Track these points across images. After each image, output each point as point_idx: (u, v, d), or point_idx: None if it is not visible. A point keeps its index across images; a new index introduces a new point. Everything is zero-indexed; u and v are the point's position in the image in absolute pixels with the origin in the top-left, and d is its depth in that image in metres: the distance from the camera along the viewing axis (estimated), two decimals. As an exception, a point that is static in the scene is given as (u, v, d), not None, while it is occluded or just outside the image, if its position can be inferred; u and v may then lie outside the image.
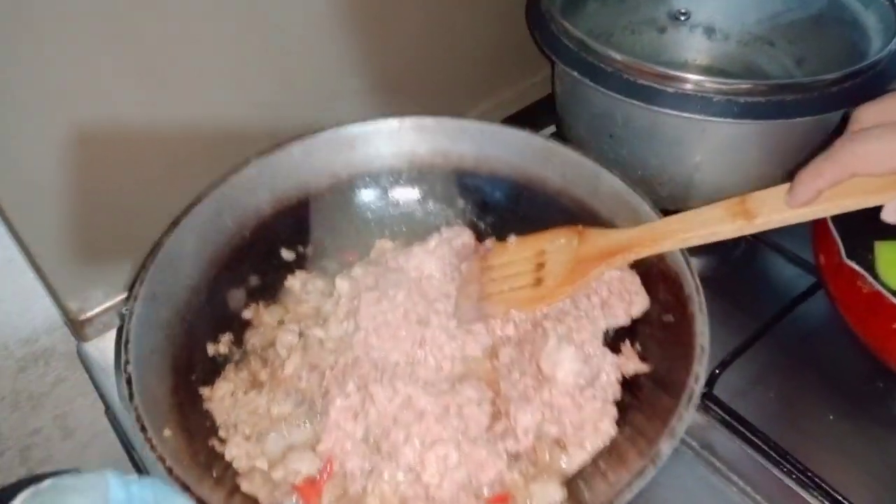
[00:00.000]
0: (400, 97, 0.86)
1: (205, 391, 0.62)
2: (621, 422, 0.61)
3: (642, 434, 0.57)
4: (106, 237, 0.70)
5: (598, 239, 0.65)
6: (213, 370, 0.64)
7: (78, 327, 0.73)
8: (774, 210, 0.54)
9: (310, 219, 0.74)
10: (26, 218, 0.64)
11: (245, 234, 0.70)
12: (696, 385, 0.55)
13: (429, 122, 0.75)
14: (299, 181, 0.73)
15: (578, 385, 0.60)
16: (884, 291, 0.61)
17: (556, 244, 0.68)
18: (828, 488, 0.61)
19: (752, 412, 0.67)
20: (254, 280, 0.71)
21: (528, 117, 0.97)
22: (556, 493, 0.57)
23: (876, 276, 0.63)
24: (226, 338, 0.66)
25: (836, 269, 0.67)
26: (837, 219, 0.67)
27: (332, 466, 0.57)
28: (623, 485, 0.51)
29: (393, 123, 0.75)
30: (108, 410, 0.82)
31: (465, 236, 0.75)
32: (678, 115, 0.69)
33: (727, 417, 0.67)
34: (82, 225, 0.68)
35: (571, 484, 0.58)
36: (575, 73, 0.73)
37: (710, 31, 0.93)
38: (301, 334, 0.67)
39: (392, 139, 0.75)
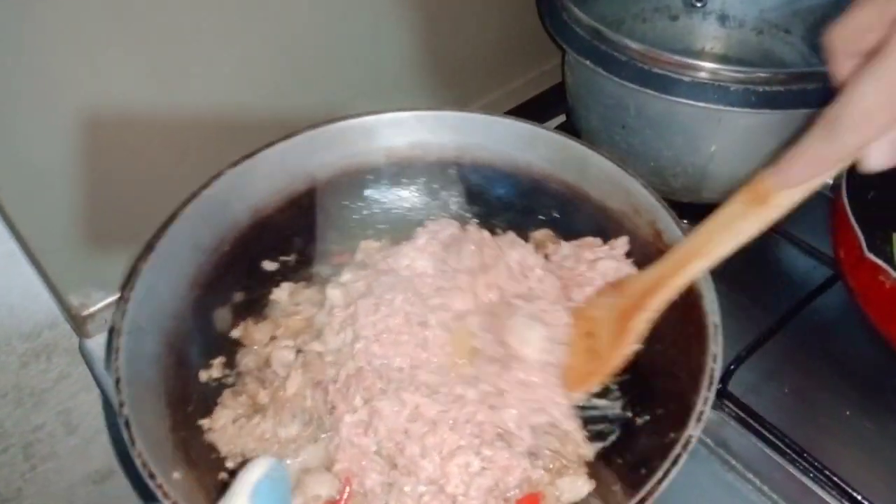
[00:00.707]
0: (406, 88, 0.85)
1: (204, 422, 0.59)
2: (638, 408, 0.61)
3: (665, 420, 0.56)
4: (109, 231, 0.69)
5: (633, 285, 0.61)
6: (208, 397, 0.62)
7: (80, 323, 0.72)
8: (789, 183, 0.46)
9: (290, 226, 0.72)
10: (26, 211, 0.63)
11: (225, 249, 0.67)
12: (716, 364, 0.54)
13: (405, 116, 0.73)
14: (275, 187, 0.70)
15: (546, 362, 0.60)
16: (906, 286, 0.59)
17: (602, 308, 0.63)
18: (845, 486, 0.60)
19: (767, 408, 0.66)
20: (238, 296, 0.68)
21: (537, 107, 0.96)
22: (585, 485, 0.56)
23: (896, 269, 0.61)
24: (218, 361, 0.64)
25: (856, 263, 0.65)
26: (857, 211, 0.65)
27: (352, 486, 0.56)
28: (657, 475, 0.49)
29: (367, 120, 0.73)
30: (107, 407, 0.81)
31: (452, 228, 0.73)
32: (694, 105, 0.68)
33: (742, 414, 0.66)
34: (84, 218, 0.67)
35: (599, 475, 0.57)
36: (587, 62, 0.71)
37: (723, 19, 0.92)
38: (299, 350, 0.64)
39: (368, 136, 0.73)
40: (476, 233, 0.71)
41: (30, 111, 0.59)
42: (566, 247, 0.70)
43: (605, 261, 0.67)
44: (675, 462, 0.50)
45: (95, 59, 0.60)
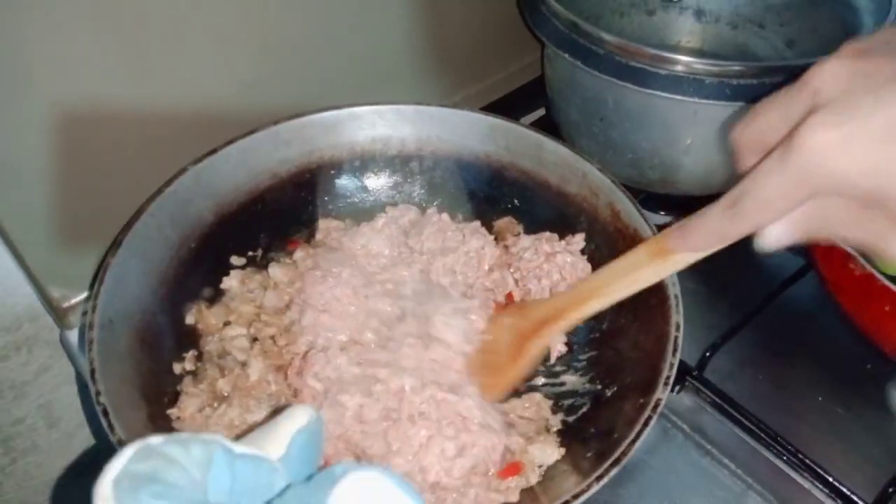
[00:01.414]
0: (386, 82, 0.85)
1: (173, 411, 0.59)
2: (607, 380, 0.63)
3: (633, 388, 0.58)
4: (89, 221, 0.68)
5: (534, 311, 0.63)
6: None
7: (60, 315, 0.71)
8: (689, 248, 0.50)
9: (255, 222, 0.72)
10: (6, 203, 0.63)
11: (191, 245, 0.67)
12: (679, 333, 0.57)
13: (364, 110, 0.74)
14: (238, 183, 0.71)
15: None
16: (876, 274, 0.61)
17: (502, 327, 0.65)
18: (819, 470, 0.61)
19: (742, 395, 0.67)
20: (207, 291, 0.68)
21: (517, 101, 0.96)
22: (554, 452, 0.58)
23: (868, 259, 0.63)
24: (190, 354, 0.64)
25: (828, 252, 0.67)
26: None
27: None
28: (629, 437, 0.51)
29: (327, 116, 0.73)
30: (86, 400, 0.81)
31: (412, 213, 0.75)
32: (670, 98, 0.69)
33: (717, 400, 0.67)
34: (64, 209, 0.66)
35: (571, 446, 0.59)
36: (566, 56, 0.72)
37: (699, 14, 0.93)
38: (255, 339, 0.65)
39: (329, 132, 0.74)
40: (436, 216, 0.73)
41: (7, 102, 0.59)
42: (525, 239, 0.72)
43: (562, 255, 0.69)
44: (645, 424, 0.52)
45: (72, 52, 0.60)
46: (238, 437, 0.36)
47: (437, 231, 0.71)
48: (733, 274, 0.80)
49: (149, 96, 0.67)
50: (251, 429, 0.58)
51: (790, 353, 0.74)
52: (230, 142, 0.69)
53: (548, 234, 0.72)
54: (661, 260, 0.52)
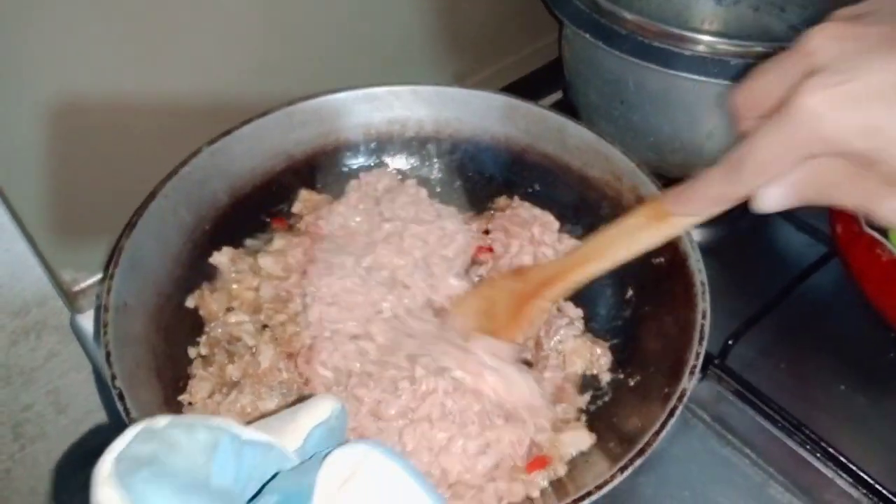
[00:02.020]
0: (399, 65, 0.84)
1: (184, 397, 0.58)
2: (630, 369, 0.62)
3: (657, 377, 0.57)
4: (100, 205, 0.67)
5: (534, 274, 0.62)
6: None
7: (72, 299, 0.70)
8: (688, 212, 0.50)
9: (270, 204, 0.71)
10: (17, 184, 0.62)
11: (205, 228, 0.66)
12: (705, 321, 0.56)
13: (380, 91, 0.73)
14: (254, 165, 0.70)
15: None
16: (905, 258, 0.59)
17: (501, 290, 0.64)
18: (843, 458, 0.60)
19: (763, 383, 0.66)
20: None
21: (533, 83, 0.95)
22: (587, 437, 0.57)
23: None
24: (204, 338, 0.63)
25: (854, 238, 0.65)
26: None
27: None
28: (654, 426, 0.50)
29: (343, 97, 0.72)
30: (100, 386, 0.80)
31: (388, 178, 0.73)
32: (694, 79, 0.67)
33: (740, 388, 0.66)
34: (76, 192, 0.66)
35: (599, 430, 0.58)
36: (586, 36, 0.71)
37: (719, -5, 0.91)
38: (266, 325, 0.64)
39: (344, 113, 0.73)
40: (414, 187, 0.71)
41: (16, 86, 0.58)
42: (525, 208, 0.71)
43: (546, 248, 0.67)
44: (671, 414, 0.51)
45: (79, 38, 0.59)
46: (253, 422, 0.35)
47: (410, 202, 0.70)
48: (755, 261, 0.80)
49: (156, 82, 0.66)
50: (264, 416, 0.58)
51: (812, 341, 0.73)
52: (245, 122, 0.68)
53: (550, 217, 0.70)
54: (661, 223, 0.52)
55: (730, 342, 0.67)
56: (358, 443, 0.31)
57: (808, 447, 0.62)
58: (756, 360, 0.70)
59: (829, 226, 0.71)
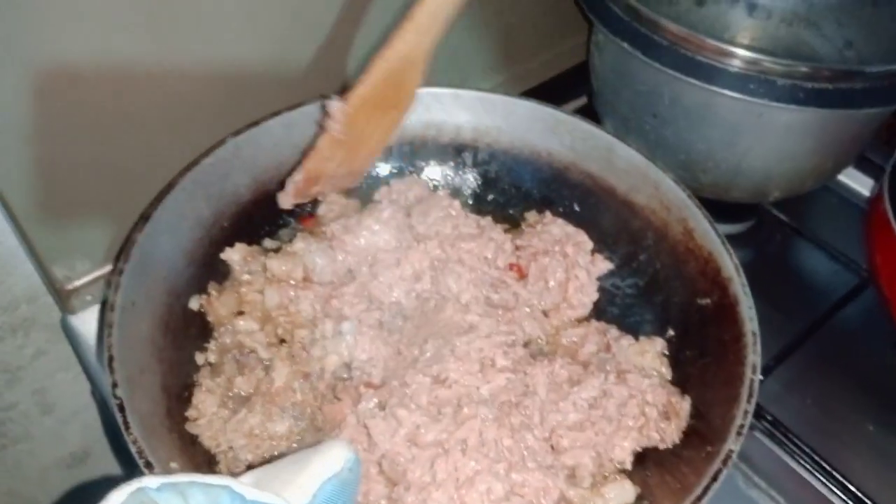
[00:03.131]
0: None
1: (191, 413, 0.54)
2: (673, 417, 0.57)
3: (700, 433, 0.54)
4: (98, 198, 0.63)
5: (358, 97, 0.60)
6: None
7: (64, 297, 0.66)
8: None
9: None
10: (7, 174, 0.57)
11: (224, 224, 0.63)
12: (755, 376, 0.52)
13: (420, 92, 0.67)
14: (280, 160, 0.66)
15: None
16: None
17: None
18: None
19: (788, 420, 0.63)
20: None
21: (556, 88, 0.91)
22: (631, 489, 0.53)
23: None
24: (214, 345, 0.59)
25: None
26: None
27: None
28: (698, 489, 0.47)
29: None
30: (95, 389, 0.76)
31: (418, 188, 0.69)
32: (735, 97, 0.63)
33: (769, 427, 0.63)
34: (71, 184, 0.61)
35: (642, 485, 0.54)
36: (623, 44, 0.67)
37: (752, 7, 0.87)
38: (283, 340, 0.60)
39: None
40: (447, 199, 0.67)
41: (9, 65, 0.53)
42: (556, 225, 0.67)
43: (580, 271, 0.64)
44: (714, 478, 0.47)
45: (83, 8, 0.54)
46: (253, 468, 0.31)
47: (444, 216, 0.66)
48: (783, 290, 0.77)
49: (166, 60, 0.61)
50: (273, 439, 0.54)
51: (840, 377, 0.70)
52: (275, 114, 0.64)
53: (584, 237, 0.67)
54: None
55: (760, 378, 0.63)
56: None
57: (837, 491, 0.59)
58: (782, 395, 0.67)
59: (867, 257, 0.68)
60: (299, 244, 0.64)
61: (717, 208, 0.76)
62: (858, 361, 0.71)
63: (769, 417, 0.63)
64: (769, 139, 0.68)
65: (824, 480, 0.60)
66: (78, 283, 0.66)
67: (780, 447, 0.62)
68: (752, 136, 0.67)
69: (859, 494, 0.58)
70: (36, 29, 0.53)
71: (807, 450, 0.61)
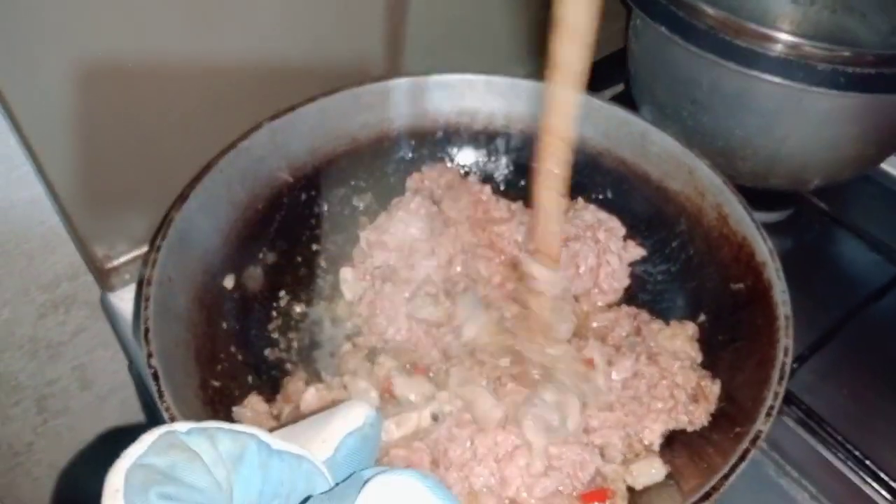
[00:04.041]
0: (451, 46, 0.79)
1: (238, 410, 0.55)
2: (702, 400, 0.57)
3: (730, 415, 0.54)
4: (139, 181, 0.64)
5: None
6: (238, 360, 0.59)
7: (103, 276, 0.67)
8: None
9: (327, 188, 0.68)
10: (56, 156, 0.58)
11: (258, 207, 0.64)
12: (787, 358, 0.51)
13: (453, 78, 0.69)
14: (315, 146, 0.66)
15: None
16: None
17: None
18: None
19: (824, 410, 0.62)
20: (270, 257, 0.65)
21: (593, 74, 0.89)
22: (661, 468, 0.53)
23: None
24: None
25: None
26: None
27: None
28: (725, 468, 0.47)
29: (414, 82, 0.68)
30: (132, 365, 0.78)
31: (449, 175, 0.69)
32: (775, 82, 0.63)
33: (803, 416, 0.62)
34: (114, 167, 0.62)
35: (670, 465, 0.54)
36: (662, 28, 0.66)
37: (794, -7, 0.86)
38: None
39: (414, 99, 0.69)
40: (476, 184, 0.68)
41: (60, 54, 0.54)
42: (589, 212, 0.67)
43: (612, 256, 0.64)
44: (742, 458, 0.47)
45: (127, 4, 0.55)
46: (277, 429, 0.32)
47: (475, 201, 0.66)
48: (821, 279, 0.76)
49: (206, 51, 0.62)
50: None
51: (877, 368, 0.69)
52: (310, 100, 0.65)
53: (616, 222, 0.66)
54: None
55: (794, 366, 0.63)
56: (401, 472, 0.28)
57: (871, 482, 0.59)
58: (817, 385, 0.66)
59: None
60: (348, 274, 0.66)
61: (755, 196, 0.75)
62: (894, 352, 0.70)
63: (803, 406, 0.62)
64: (809, 126, 0.66)
65: (858, 470, 0.59)
66: (117, 262, 0.67)
67: (814, 436, 0.61)
68: (792, 122, 0.66)
69: (893, 485, 0.58)
70: (83, 24, 0.54)
71: (840, 439, 0.60)
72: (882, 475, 0.58)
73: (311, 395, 0.55)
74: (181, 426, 0.27)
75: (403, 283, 0.61)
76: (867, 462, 0.59)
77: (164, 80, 0.61)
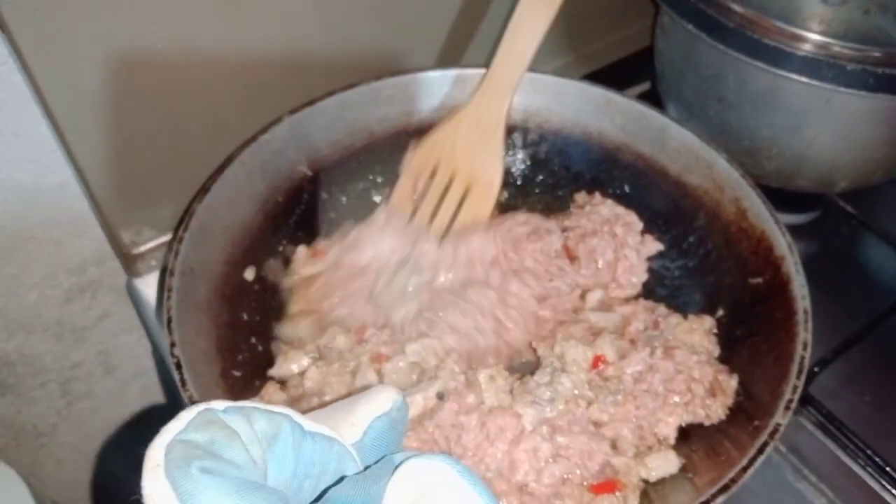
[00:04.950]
0: (480, 41, 0.79)
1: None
2: (719, 394, 0.57)
3: (748, 409, 0.54)
4: (166, 169, 0.65)
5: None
6: (258, 351, 0.60)
7: (129, 261, 0.69)
8: None
9: (346, 181, 0.69)
10: (84, 141, 0.59)
11: (278, 200, 0.64)
12: (806, 353, 0.51)
13: (471, 73, 0.69)
14: (334, 139, 0.67)
15: None
16: None
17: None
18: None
19: (846, 416, 0.61)
20: (290, 249, 0.66)
21: (617, 73, 0.89)
22: (675, 461, 0.53)
23: None
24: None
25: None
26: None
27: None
28: (744, 461, 0.47)
29: (432, 76, 0.68)
30: (155, 351, 0.79)
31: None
32: (803, 82, 0.62)
33: (821, 419, 0.61)
34: (142, 154, 0.63)
35: (686, 458, 0.54)
36: (689, 26, 0.66)
37: (825, -8, 0.84)
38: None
39: (431, 93, 0.69)
40: None
41: (92, 43, 0.55)
42: (606, 206, 0.67)
43: (629, 251, 0.64)
44: (760, 450, 0.47)
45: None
46: (307, 412, 0.32)
47: None
48: (847, 283, 0.75)
49: (235, 38, 0.62)
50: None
51: (901, 375, 0.68)
52: (329, 94, 0.65)
53: (634, 217, 0.66)
54: None
55: (815, 369, 0.62)
56: (434, 457, 0.28)
57: (892, 489, 0.58)
58: (839, 390, 0.65)
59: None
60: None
61: (782, 197, 0.74)
62: (922, 360, 0.69)
63: (823, 410, 0.61)
64: (837, 127, 0.66)
65: (878, 476, 0.58)
66: (144, 248, 0.68)
67: (834, 441, 0.60)
68: (820, 123, 0.66)
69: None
70: (115, 10, 0.55)
71: (860, 444, 0.59)
72: (903, 482, 0.57)
73: (313, 372, 0.56)
74: (218, 404, 0.27)
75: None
76: (887, 469, 0.58)
77: (194, 69, 0.61)
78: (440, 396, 0.54)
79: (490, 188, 0.67)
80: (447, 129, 0.67)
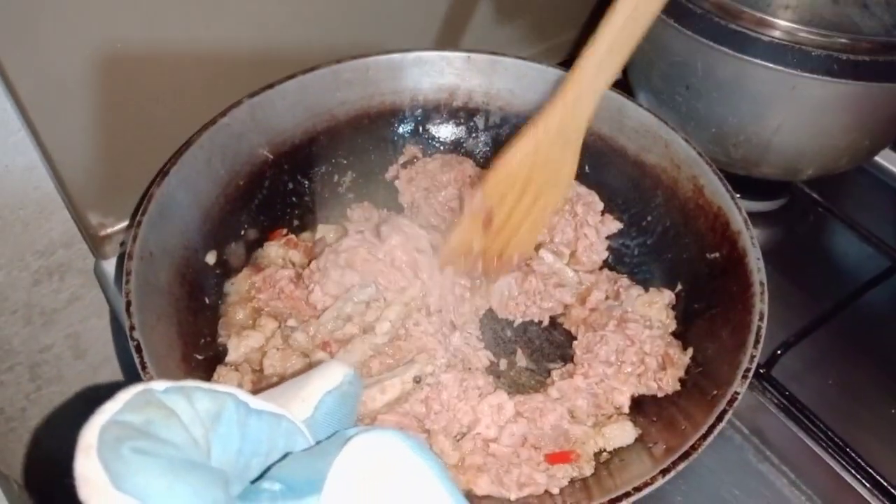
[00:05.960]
0: (455, 29, 0.80)
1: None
2: (670, 367, 0.58)
3: (706, 379, 0.55)
4: (135, 152, 0.65)
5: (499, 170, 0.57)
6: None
7: (97, 243, 0.68)
8: None
9: (308, 164, 0.69)
10: (53, 124, 0.59)
11: (239, 183, 0.64)
12: (762, 323, 0.53)
13: (431, 55, 0.69)
14: (295, 122, 0.67)
15: None
16: None
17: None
18: (890, 487, 0.57)
19: (809, 399, 0.62)
20: (252, 233, 0.65)
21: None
22: (632, 431, 0.55)
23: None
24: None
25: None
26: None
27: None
28: (699, 431, 0.48)
29: (393, 59, 0.69)
30: (120, 335, 0.78)
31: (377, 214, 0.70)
32: (770, 68, 0.63)
33: (784, 401, 0.62)
34: (110, 137, 0.63)
35: (642, 428, 0.56)
36: (659, 14, 0.66)
37: (796, -18, 0.85)
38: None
39: (392, 76, 0.69)
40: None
41: (62, 28, 0.55)
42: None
43: (589, 229, 0.65)
44: (719, 418, 0.48)
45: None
46: (258, 391, 0.32)
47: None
48: (812, 269, 0.76)
49: (201, 31, 0.63)
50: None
51: (864, 359, 0.69)
52: (290, 77, 0.65)
53: (595, 197, 0.67)
54: None
55: (778, 352, 0.63)
56: (384, 431, 0.28)
57: (852, 471, 0.59)
58: (803, 373, 0.66)
59: (901, 237, 0.67)
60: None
61: (749, 184, 0.75)
62: (884, 344, 0.70)
63: (786, 393, 0.62)
64: (802, 114, 0.66)
65: (840, 459, 0.59)
66: (111, 229, 0.68)
67: (796, 423, 0.61)
68: (785, 110, 0.66)
69: (875, 476, 0.58)
70: (98, 13, 0.56)
71: (822, 426, 0.60)
72: (863, 464, 0.58)
73: (272, 354, 0.56)
74: (158, 385, 0.27)
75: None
76: (848, 450, 0.59)
77: (164, 55, 0.61)
78: (417, 380, 0.54)
79: (563, 190, 0.61)
80: (524, 151, 0.56)
